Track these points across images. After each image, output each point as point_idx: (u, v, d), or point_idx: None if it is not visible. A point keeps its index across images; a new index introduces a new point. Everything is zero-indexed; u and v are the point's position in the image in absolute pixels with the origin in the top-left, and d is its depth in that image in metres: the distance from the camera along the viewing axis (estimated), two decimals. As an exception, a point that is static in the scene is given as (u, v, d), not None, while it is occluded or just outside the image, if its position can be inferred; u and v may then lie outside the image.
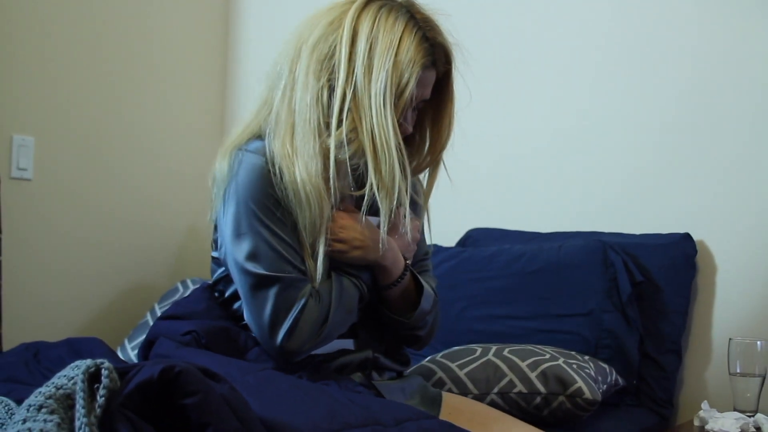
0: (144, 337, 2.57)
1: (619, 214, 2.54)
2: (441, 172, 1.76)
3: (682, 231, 2.43)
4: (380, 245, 1.64)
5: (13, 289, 2.55)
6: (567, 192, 2.62)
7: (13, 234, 2.54)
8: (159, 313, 2.69)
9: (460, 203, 2.74)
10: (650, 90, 2.52)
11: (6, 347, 2.47)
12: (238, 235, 1.59)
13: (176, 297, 2.73)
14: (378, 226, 1.65)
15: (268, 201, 1.59)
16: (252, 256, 1.58)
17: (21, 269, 2.60)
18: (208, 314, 1.69)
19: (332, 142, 1.58)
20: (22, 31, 2.58)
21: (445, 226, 2.60)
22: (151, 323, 2.66)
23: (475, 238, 2.68)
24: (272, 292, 1.58)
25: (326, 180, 1.58)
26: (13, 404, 1.57)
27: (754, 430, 2.01)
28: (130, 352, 2.58)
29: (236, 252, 1.60)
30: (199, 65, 3.16)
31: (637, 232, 2.48)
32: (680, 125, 2.48)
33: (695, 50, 2.46)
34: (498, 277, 2.43)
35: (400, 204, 1.64)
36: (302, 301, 1.57)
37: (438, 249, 2.59)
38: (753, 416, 2.04)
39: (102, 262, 2.84)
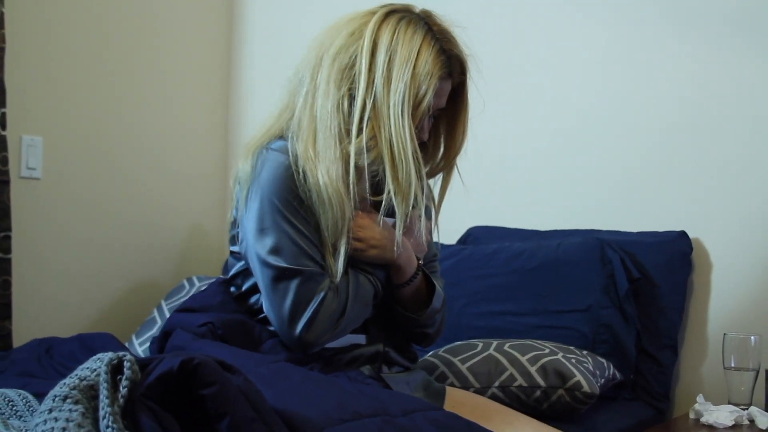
0: (152, 332, 2.63)
1: (617, 212, 2.58)
2: (454, 177, 1.82)
3: (678, 229, 2.46)
4: (395, 247, 1.70)
5: (22, 286, 2.58)
6: (566, 191, 2.66)
7: (23, 232, 2.58)
8: (165, 310, 2.73)
9: (460, 202, 2.77)
10: (647, 92, 2.55)
11: (16, 344, 2.50)
12: (261, 230, 1.65)
13: (182, 294, 2.77)
14: (394, 227, 1.70)
15: (291, 198, 1.64)
16: (274, 251, 1.63)
17: (30, 267, 2.63)
18: (223, 308, 1.74)
19: (352, 149, 1.63)
20: (30, 35, 2.62)
21: (446, 224, 2.63)
22: (158, 320, 2.70)
23: (475, 236, 2.71)
24: (293, 285, 1.63)
25: (347, 184, 1.64)
26: (30, 397, 1.62)
27: (748, 422, 2.05)
28: (137, 347, 2.63)
29: (259, 246, 1.65)
30: (202, 68, 3.20)
31: (634, 230, 2.52)
32: (677, 127, 2.51)
33: (693, 52, 2.49)
34: (498, 274, 2.47)
35: (415, 207, 1.70)
36: (322, 294, 1.63)
37: (440, 247, 2.62)
38: (747, 409, 2.08)
39: (109, 260, 2.88)
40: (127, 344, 2.69)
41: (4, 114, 2.45)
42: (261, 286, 1.68)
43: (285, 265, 1.63)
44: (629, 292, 2.37)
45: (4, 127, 2.45)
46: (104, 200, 2.86)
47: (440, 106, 1.73)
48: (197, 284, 2.79)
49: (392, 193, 1.65)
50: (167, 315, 2.69)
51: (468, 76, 1.76)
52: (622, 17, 2.60)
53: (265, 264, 1.65)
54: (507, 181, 2.76)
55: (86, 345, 2.09)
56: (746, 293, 2.40)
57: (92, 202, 2.82)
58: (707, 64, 2.47)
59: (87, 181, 2.81)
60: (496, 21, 2.79)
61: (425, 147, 1.78)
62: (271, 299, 1.65)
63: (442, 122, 1.79)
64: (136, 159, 2.95)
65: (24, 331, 2.55)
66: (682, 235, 2.46)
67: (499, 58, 2.76)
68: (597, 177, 2.62)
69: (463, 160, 1.86)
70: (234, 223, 1.77)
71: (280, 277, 1.63)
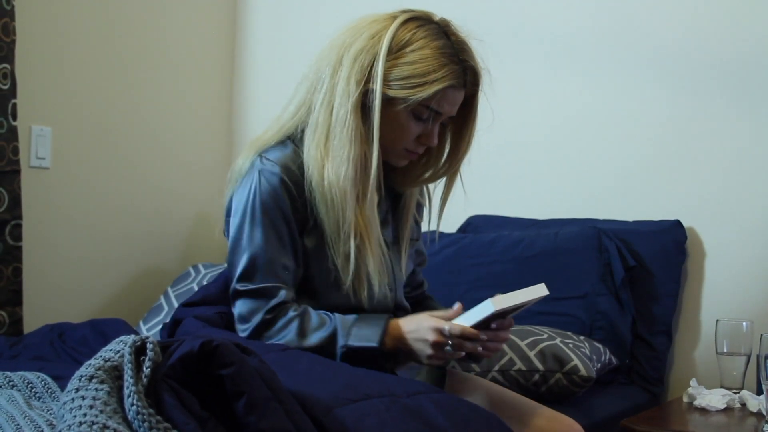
0: (159, 318, 2.68)
1: (613, 202, 2.62)
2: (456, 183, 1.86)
3: (673, 218, 2.52)
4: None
5: (32, 273, 2.62)
6: (563, 181, 2.70)
7: (32, 221, 2.62)
8: (172, 297, 2.77)
9: (460, 191, 2.82)
10: (644, 85, 2.59)
11: (26, 330, 2.54)
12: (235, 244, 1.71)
13: (188, 281, 2.81)
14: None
15: (276, 215, 1.69)
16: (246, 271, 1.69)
17: (40, 254, 2.68)
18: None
19: (375, 150, 1.68)
20: (39, 27, 2.66)
21: (446, 213, 2.68)
22: (165, 306, 2.75)
23: (475, 224, 2.75)
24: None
25: (355, 185, 1.67)
26: (49, 379, 1.67)
27: (740, 405, 2.11)
28: (145, 334, 2.67)
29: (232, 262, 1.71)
30: (207, 60, 3.24)
31: (630, 219, 2.57)
32: (672, 119, 2.55)
33: (689, 45, 2.53)
34: (497, 262, 2.51)
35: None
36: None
37: (440, 235, 2.67)
38: (738, 393, 2.14)
39: (116, 248, 2.92)
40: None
41: (14, 105, 2.50)
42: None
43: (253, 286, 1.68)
44: (625, 279, 2.42)
45: (14, 118, 2.50)
46: (112, 189, 2.90)
47: (451, 114, 1.75)
48: (203, 271, 2.84)
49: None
50: (174, 301, 2.74)
51: (480, 88, 1.77)
52: (619, 10, 2.64)
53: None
54: (506, 172, 2.79)
55: (98, 330, 2.13)
56: (739, 281, 2.45)
57: (100, 191, 2.87)
58: (703, 57, 2.52)
59: (95, 170, 2.85)
60: (493, 12, 2.81)
61: (430, 151, 1.81)
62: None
63: (449, 129, 1.83)
64: (143, 149, 3.00)
65: (34, 317, 2.59)
66: (677, 224, 2.51)
67: (497, 48, 2.78)
68: (594, 168, 2.66)
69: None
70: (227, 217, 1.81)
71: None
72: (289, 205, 1.69)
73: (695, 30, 2.53)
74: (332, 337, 1.64)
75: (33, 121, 2.67)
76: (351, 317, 1.66)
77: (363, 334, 1.62)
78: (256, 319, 1.66)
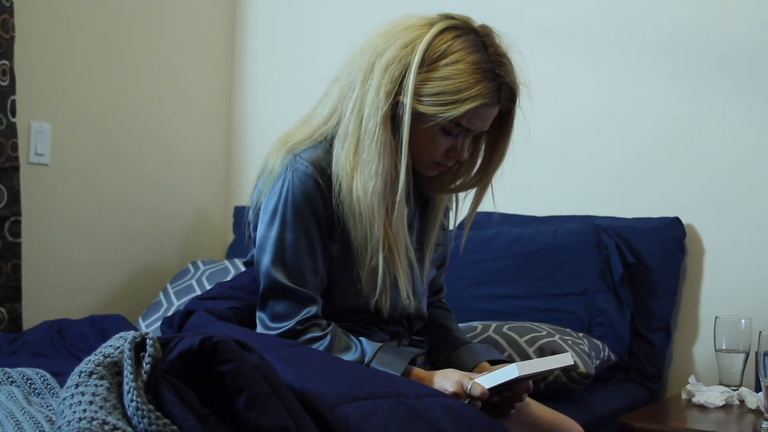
0: (158, 314, 2.68)
1: (613, 198, 2.63)
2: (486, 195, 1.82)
3: (672, 215, 2.52)
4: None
5: (31, 269, 2.62)
6: (563, 178, 2.70)
7: (31, 217, 2.62)
8: (171, 293, 2.77)
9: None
10: (643, 82, 2.60)
11: (25, 326, 2.55)
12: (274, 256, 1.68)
13: (187, 277, 2.81)
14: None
15: (309, 218, 1.66)
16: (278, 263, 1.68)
17: (39, 251, 2.68)
18: (249, 298, 1.77)
19: (403, 165, 1.63)
20: (38, 24, 2.66)
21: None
22: (164, 303, 2.75)
23: (474, 220, 2.73)
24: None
25: (383, 200, 1.63)
26: (48, 375, 1.68)
27: (738, 402, 2.12)
28: (144, 330, 2.67)
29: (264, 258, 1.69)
30: (207, 56, 3.24)
31: (630, 216, 2.57)
32: (671, 116, 2.56)
33: (689, 42, 2.54)
34: (497, 258, 2.52)
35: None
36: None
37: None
38: (737, 390, 2.15)
39: (116, 244, 2.92)
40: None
41: (14, 101, 2.50)
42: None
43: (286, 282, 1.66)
44: (624, 276, 2.43)
45: (14, 114, 2.50)
46: (111, 186, 2.90)
47: (482, 130, 1.70)
48: (202, 268, 2.83)
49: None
50: (173, 298, 2.74)
51: (517, 104, 1.71)
52: (619, 10, 2.65)
53: (267, 276, 1.67)
54: (506, 168, 2.78)
55: (97, 327, 2.13)
56: (737, 277, 2.46)
57: (99, 188, 2.87)
58: (702, 57, 2.52)
59: (94, 167, 2.85)
60: (491, 5, 2.81)
61: (461, 161, 1.76)
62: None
63: (483, 140, 1.78)
64: (142, 145, 3.00)
65: (33, 313, 2.59)
66: (676, 221, 2.51)
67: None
68: (594, 164, 2.66)
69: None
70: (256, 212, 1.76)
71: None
72: (321, 206, 1.66)
73: (695, 27, 2.54)
74: (359, 361, 1.63)
75: (32, 118, 2.67)
76: (377, 344, 1.65)
77: (387, 361, 1.62)
78: (288, 324, 1.65)
